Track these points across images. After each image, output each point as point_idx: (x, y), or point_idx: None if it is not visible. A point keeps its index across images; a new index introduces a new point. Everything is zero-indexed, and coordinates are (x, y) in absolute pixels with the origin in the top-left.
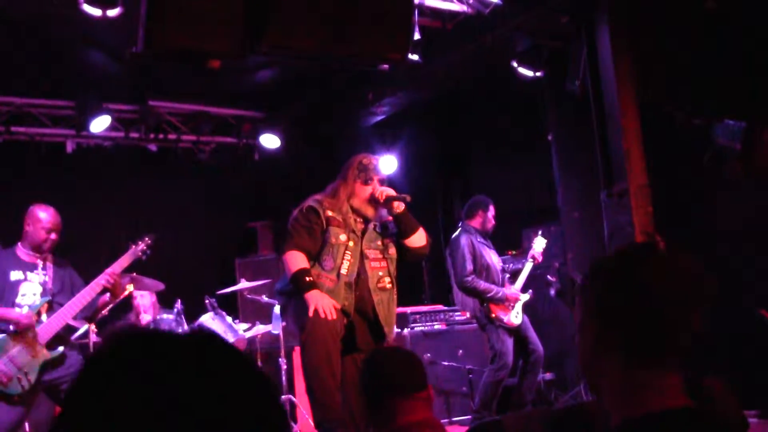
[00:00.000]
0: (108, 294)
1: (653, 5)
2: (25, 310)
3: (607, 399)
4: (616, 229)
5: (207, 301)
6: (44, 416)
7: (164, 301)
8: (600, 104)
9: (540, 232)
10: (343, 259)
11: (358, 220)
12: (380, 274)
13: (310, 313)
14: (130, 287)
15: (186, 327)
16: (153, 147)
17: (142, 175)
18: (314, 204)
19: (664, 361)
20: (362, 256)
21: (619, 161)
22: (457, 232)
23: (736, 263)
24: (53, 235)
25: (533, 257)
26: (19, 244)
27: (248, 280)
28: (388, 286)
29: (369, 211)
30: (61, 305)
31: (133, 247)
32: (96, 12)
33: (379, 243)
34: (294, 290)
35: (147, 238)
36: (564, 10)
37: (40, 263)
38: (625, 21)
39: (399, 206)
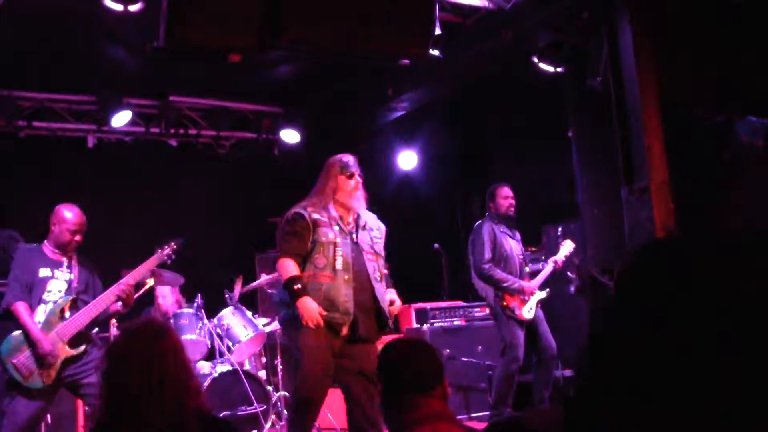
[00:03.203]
0: (120, 303)
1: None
2: (50, 306)
3: None
4: (636, 225)
5: (227, 296)
6: (67, 410)
7: (185, 296)
8: (621, 100)
9: (560, 230)
10: (335, 255)
11: (345, 217)
12: (375, 266)
13: (304, 322)
14: (150, 281)
15: (206, 321)
16: (173, 142)
17: (162, 169)
18: (300, 210)
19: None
20: (359, 249)
21: (640, 157)
22: (480, 221)
23: None
24: (78, 237)
25: (555, 262)
26: (45, 242)
27: (268, 274)
28: (380, 279)
29: (355, 203)
30: (86, 302)
31: (159, 251)
32: (118, 7)
33: (369, 239)
34: (287, 303)
35: (173, 243)
36: (584, 5)
37: (65, 261)
38: (646, 16)
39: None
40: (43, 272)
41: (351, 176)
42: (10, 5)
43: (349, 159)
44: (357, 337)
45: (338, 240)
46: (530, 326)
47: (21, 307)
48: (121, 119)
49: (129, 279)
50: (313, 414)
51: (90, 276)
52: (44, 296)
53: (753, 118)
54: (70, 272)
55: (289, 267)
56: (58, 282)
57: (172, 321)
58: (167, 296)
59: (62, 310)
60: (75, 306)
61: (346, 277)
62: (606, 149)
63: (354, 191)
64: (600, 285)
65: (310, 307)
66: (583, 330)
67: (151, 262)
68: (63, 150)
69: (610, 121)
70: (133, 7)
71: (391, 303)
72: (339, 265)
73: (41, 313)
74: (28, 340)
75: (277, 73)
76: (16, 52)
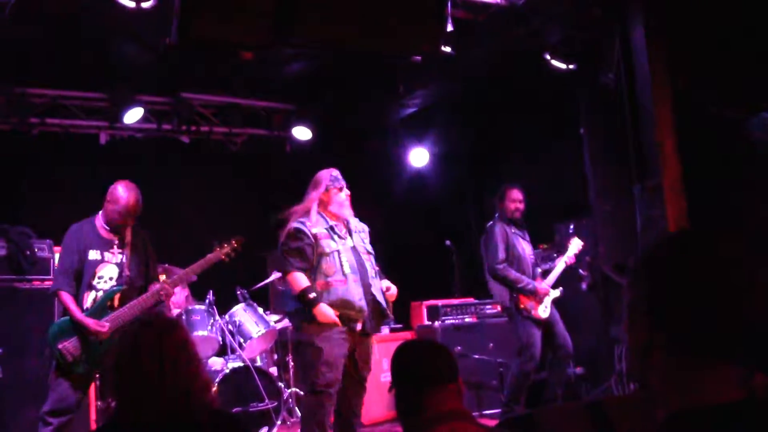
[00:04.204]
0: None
1: None
2: (100, 294)
3: (657, 391)
4: (649, 222)
5: (239, 293)
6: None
7: (196, 293)
8: (633, 96)
9: (571, 228)
10: (341, 262)
11: (338, 225)
12: (371, 264)
13: (323, 320)
14: (162, 278)
15: (217, 318)
16: (185, 139)
17: (174, 166)
18: (299, 225)
19: (721, 355)
20: (357, 252)
21: (652, 154)
22: (492, 221)
23: None
24: (129, 221)
25: (566, 262)
26: (99, 214)
27: (279, 271)
28: (375, 275)
29: (346, 212)
30: (136, 289)
31: (218, 249)
32: (130, 4)
33: (361, 241)
34: (303, 308)
35: (234, 241)
36: (597, 1)
37: (116, 240)
38: (659, 12)
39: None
40: (93, 255)
41: (341, 189)
42: (23, 2)
43: (337, 173)
44: (365, 332)
45: (340, 248)
46: (546, 325)
47: (65, 297)
48: (133, 116)
49: (189, 271)
50: (331, 402)
51: (143, 256)
52: (94, 282)
53: (767, 114)
54: (122, 253)
55: (300, 280)
56: (108, 267)
57: (183, 317)
58: (177, 293)
59: (111, 301)
60: (125, 298)
61: (354, 278)
62: (618, 147)
63: (345, 202)
64: (612, 282)
65: (327, 313)
66: (595, 327)
67: (208, 260)
68: (75, 147)
69: (623, 119)
70: (146, 4)
71: (387, 290)
72: (347, 270)
73: (89, 300)
74: (75, 326)
75: (289, 70)
76: (28, 49)
